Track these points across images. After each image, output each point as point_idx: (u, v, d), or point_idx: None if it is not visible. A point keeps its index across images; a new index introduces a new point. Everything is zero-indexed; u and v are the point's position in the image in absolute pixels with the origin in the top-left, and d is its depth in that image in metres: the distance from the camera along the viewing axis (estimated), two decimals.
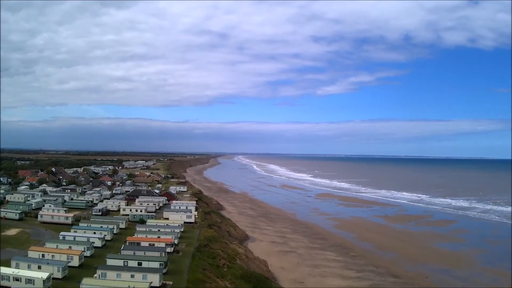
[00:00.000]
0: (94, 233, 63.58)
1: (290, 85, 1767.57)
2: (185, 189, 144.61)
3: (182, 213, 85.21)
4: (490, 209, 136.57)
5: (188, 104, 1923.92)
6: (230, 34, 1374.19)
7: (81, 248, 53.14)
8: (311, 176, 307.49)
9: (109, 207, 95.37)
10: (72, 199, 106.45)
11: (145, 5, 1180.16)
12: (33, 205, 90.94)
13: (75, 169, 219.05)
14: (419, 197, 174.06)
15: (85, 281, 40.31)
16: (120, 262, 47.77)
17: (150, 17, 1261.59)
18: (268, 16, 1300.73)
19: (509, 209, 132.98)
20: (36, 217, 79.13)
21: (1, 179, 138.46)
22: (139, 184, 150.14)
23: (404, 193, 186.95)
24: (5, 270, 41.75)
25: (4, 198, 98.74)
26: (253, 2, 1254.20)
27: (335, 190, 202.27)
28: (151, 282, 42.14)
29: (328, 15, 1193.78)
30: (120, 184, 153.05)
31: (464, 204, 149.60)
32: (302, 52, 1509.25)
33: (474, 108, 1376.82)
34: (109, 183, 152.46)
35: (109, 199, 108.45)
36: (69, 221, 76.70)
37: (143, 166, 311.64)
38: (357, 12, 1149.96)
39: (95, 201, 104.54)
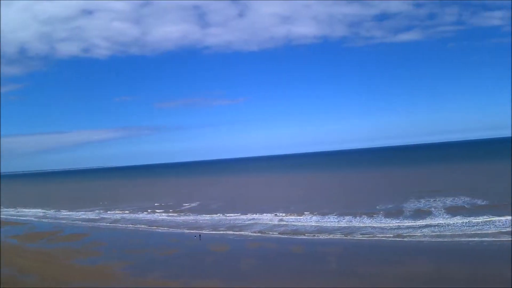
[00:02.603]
0: None
1: None
2: None
3: None
4: (121, 218, 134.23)
5: None
6: None
7: None
8: None
9: None
10: None
11: None
12: None
13: None
14: (44, 212, 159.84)
15: None
16: None
17: None
18: None
19: (163, 216, 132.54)
20: None
21: None
22: None
23: (27, 209, 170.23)
24: None
25: None
26: None
27: None
28: None
29: None
30: None
31: (94, 216, 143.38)
32: None
33: (93, 117, 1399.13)
34: None
35: None
36: None
37: None
38: None
39: None
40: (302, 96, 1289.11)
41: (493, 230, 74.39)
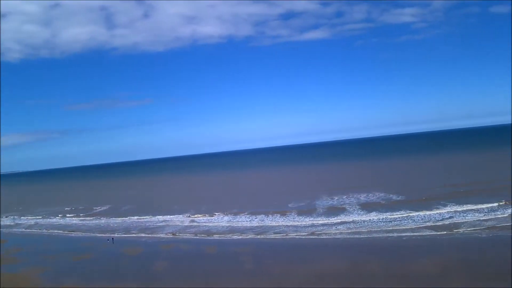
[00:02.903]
0: None
1: None
2: None
3: None
4: (35, 223, 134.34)
5: None
6: None
7: None
8: None
9: None
10: None
11: None
12: None
13: None
14: None
15: None
16: None
17: None
18: None
19: (75, 220, 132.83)
20: None
21: None
22: None
23: None
24: None
25: None
26: None
27: None
28: None
29: None
30: None
31: (9, 222, 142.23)
32: None
33: (4, 122, 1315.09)
34: None
35: None
36: None
37: None
38: None
39: None
40: (208, 95, 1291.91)
41: (412, 225, 74.73)
